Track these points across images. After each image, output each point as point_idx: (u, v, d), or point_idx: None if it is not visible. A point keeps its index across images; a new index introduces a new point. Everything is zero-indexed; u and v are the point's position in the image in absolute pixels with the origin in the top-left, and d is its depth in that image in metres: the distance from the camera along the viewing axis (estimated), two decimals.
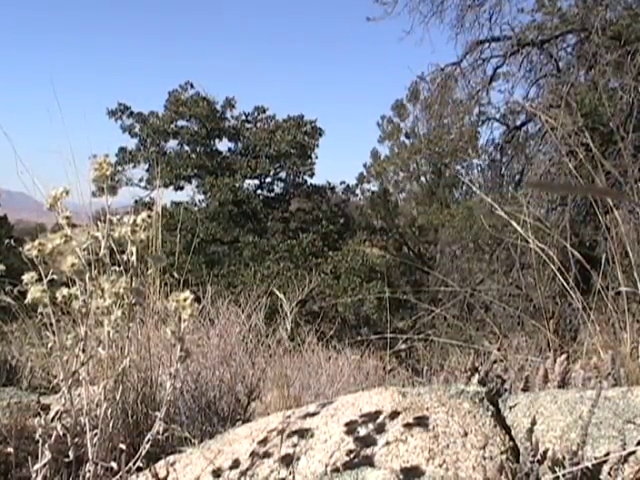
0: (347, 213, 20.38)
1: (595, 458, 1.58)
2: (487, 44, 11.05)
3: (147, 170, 18.75)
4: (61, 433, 1.67)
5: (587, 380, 2.15)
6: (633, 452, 1.56)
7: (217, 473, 1.85)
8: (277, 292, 3.56)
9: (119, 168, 18.16)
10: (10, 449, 1.96)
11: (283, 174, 19.71)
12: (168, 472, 1.89)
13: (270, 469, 1.78)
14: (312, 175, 19.61)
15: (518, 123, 11.88)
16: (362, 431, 1.83)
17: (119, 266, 1.73)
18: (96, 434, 1.73)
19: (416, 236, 21.98)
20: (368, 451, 1.74)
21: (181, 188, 19.14)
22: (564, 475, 1.53)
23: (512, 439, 1.78)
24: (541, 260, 2.91)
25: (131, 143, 18.99)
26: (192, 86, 18.93)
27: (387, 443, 1.74)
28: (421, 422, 1.81)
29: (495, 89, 11.56)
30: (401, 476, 1.63)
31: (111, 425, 1.82)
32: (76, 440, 1.69)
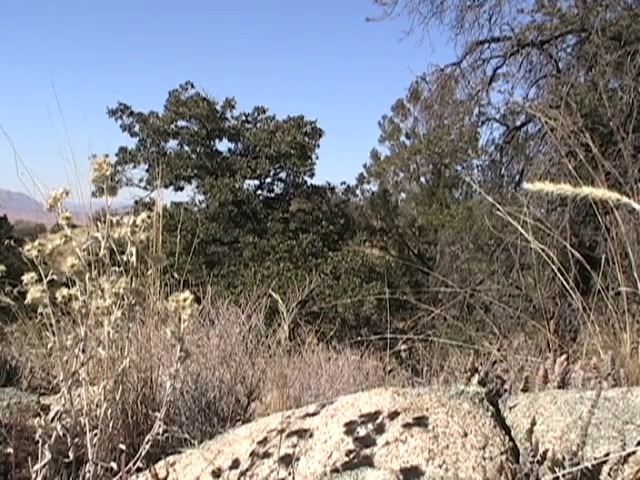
0: (347, 213, 20.37)
1: (595, 459, 1.58)
2: (487, 45, 11.06)
3: (147, 170, 18.78)
4: (61, 433, 1.67)
5: (587, 380, 2.15)
6: (633, 453, 1.56)
7: (217, 473, 1.85)
8: (273, 294, 3.56)
9: (119, 168, 18.16)
10: (10, 449, 1.96)
11: (283, 174, 19.72)
12: (168, 472, 1.89)
13: (270, 469, 1.78)
14: (312, 175, 19.63)
15: (518, 123, 11.89)
16: (362, 431, 1.83)
17: (119, 267, 1.73)
18: (96, 434, 1.73)
19: (416, 236, 21.99)
20: (368, 451, 1.74)
21: (181, 188, 19.16)
22: (564, 475, 1.53)
23: (512, 439, 1.78)
24: (541, 260, 2.91)
25: (131, 143, 19.03)
26: (192, 86, 18.95)
27: (387, 443, 1.74)
28: (421, 422, 1.81)
29: (495, 89, 11.57)
30: (401, 476, 1.63)
31: (111, 425, 1.82)
32: (76, 440, 1.69)
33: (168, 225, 9.96)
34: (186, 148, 19.25)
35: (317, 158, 19.50)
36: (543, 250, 2.71)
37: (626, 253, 2.63)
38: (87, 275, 1.66)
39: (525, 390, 2.19)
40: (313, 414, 2.02)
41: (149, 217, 1.74)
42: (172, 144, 19.30)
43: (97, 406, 1.77)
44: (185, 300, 1.64)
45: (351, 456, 1.74)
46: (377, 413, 1.89)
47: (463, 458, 1.67)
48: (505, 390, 2.17)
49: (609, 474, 1.54)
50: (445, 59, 18.11)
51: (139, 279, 1.81)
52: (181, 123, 19.01)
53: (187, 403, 2.77)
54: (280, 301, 3.51)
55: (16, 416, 2.37)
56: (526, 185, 1.17)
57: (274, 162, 19.03)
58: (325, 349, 6.32)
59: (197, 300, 1.72)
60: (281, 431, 1.92)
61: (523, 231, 2.76)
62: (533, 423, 1.69)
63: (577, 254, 3.00)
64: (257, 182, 19.55)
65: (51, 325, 1.63)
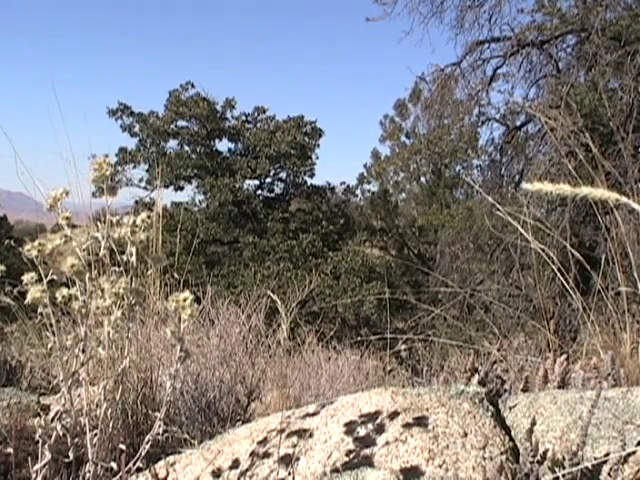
0: (347, 213, 20.38)
1: (595, 458, 1.58)
2: (487, 45, 11.06)
3: (147, 170, 18.77)
4: (61, 433, 1.67)
5: (587, 380, 2.15)
6: (633, 452, 1.56)
7: (217, 473, 1.85)
8: (272, 296, 3.57)
9: (119, 168, 18.15)
10: (10, 449, 1.96)
11: (283, 174, 19.72)
12: (168, 472, 1.89)
13: (270, 469, 1.78)
14: (312, 175, 19.63)
15: (518, 123, 11.88)
16: (362, 431, 1.83)
17: (119, 266, 1.73)
18: (96, 434, 1.73)
19: (416, 236, 21.99)
20: (368, 451, 1.74)
21: (181, 188, 19.16)
22: (564, 475, 1.53)
23: (512, 439, 1.78)
24: (541, 260, 2.91)
25: (131, 143, 19.03)
26: (193, 86, 18.93)
27: (387, 443, 1.74)
28: (421, 422, 1.81)
29: (495, 89, 11.57)
30: (401, 476, 1.63)
31: (111, 425, 1.82)
32: (76, 440, 1.69)
33: (168, 225, 9.95)
34: (186, 148, 19.25)
35: (317, 158, 19.53)
36: (543, 250, 2.71)
37: (626, 253, 2.63)
38: (87, 275, 1.66)
39: (525, 390, 2.19)
40: (313, 414, 2.02)
41: (149, 217, 1.74)
42: (172, 144, 19.32)
43: (97, 406, 1.77)
44: (185, 300, 1.64)
45: (351, 456, 1.74)
46: (377, 413, 1.89)
47: (463, 458, 1.67)
48: (505, 390, 2.17)
49: (609, 474, 1.54)
50: (445, 59, 18.10)
51: (139, 279, 1.81)
52: (181, 123, 19.02)
53: (187, 403, 2.77)
54: (279, 302, 3.52)
55: (16, 416, 2.37)
56: (526, 185, 1.17)
57: (274, 162, 19.03)
58: (325, 349, 6.33)
59: (197, 300, 1.72)
60: (281, 431, 1.92)
61: (523, 231, 2.76)
62: (533, 423, 1.69)
63: (577, 254, 3.00)
64: (257, 182, 19.57)
65: (51, 325, 1.63)
